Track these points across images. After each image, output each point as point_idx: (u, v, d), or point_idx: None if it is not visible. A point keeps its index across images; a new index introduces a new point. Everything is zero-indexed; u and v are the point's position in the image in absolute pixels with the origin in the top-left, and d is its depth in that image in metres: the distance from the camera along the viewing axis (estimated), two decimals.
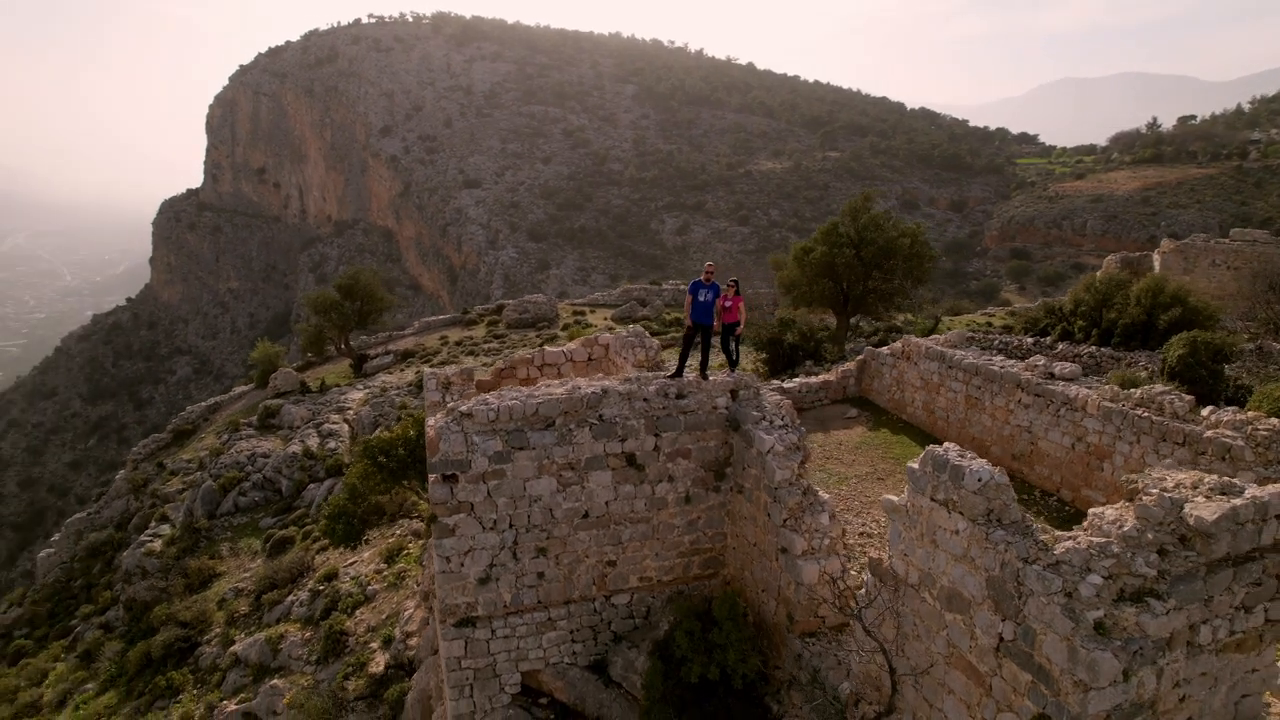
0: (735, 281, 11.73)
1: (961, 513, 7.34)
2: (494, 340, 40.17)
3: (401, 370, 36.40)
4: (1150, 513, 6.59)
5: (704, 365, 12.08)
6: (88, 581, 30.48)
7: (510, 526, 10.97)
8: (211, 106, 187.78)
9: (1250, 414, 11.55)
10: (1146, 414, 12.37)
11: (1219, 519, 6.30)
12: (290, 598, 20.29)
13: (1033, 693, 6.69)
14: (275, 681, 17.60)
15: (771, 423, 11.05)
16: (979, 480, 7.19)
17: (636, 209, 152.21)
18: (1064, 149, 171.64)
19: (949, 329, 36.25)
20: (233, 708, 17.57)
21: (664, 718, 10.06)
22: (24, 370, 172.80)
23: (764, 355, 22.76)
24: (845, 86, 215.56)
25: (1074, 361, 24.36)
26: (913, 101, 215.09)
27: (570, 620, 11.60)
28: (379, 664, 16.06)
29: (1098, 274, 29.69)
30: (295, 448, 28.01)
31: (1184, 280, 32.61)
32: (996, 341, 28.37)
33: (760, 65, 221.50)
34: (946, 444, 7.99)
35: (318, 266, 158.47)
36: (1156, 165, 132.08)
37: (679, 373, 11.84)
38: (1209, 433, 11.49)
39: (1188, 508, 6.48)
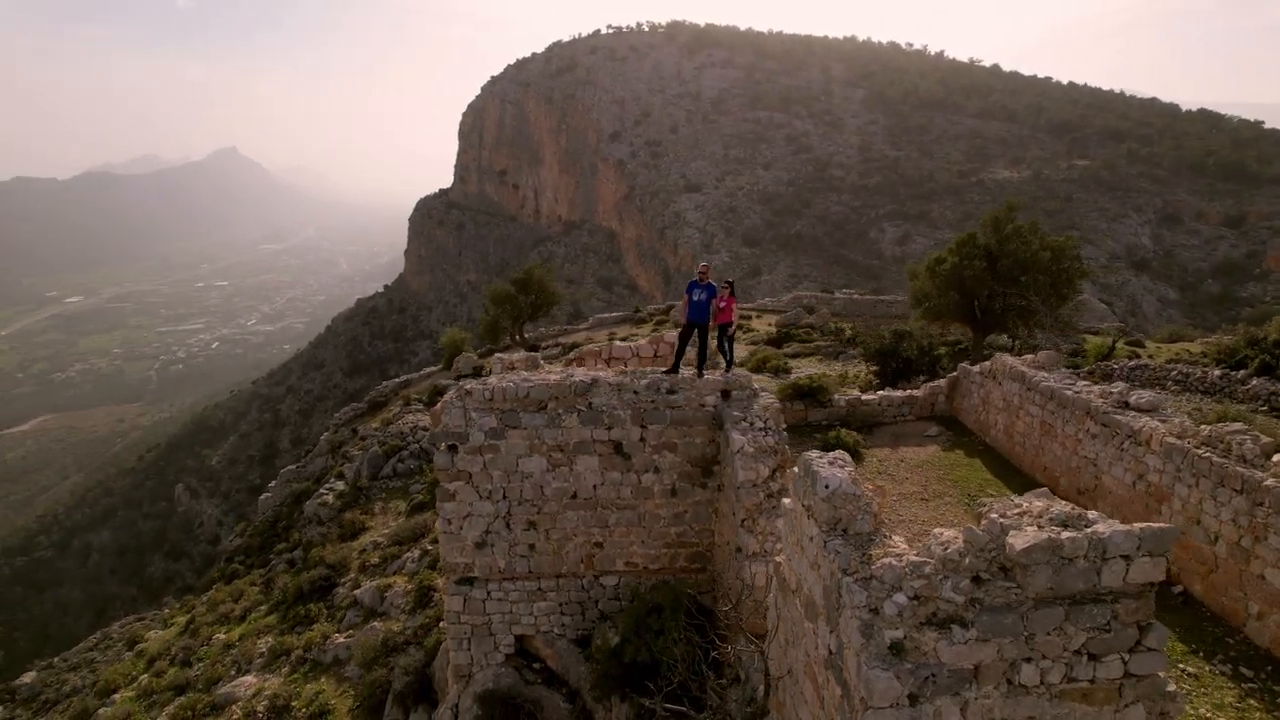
0: (730, 283, 11.88)
1: (815, 519, 7.23)
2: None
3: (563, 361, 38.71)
4: (975, 537, 6.18)
5: (701, 364, 12.27)
6: (288, 523, 35.49)
7: (504, 498, 11.92)
8: (464, 114, 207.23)
9: None
10: (1209, 454, 10.90)
11: (1029, 549, 5.82)
12: (407, 554, 22.70)
13: (841, 708, 6.52)
14: (375, 624, 19.92)
15: (752, 424, 11.10)
16: (827, 488, 7.04)
17: (856, 216, 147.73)
18: None
19: (1149, 356, 32.43)
20: (340, 640, 20.13)
21: (606, 692, 10.54)
22: (303, 344, 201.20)
23: (874, 366, 21.91)
24: (1106, 88, 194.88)
25: (1267, 401, 21.33)
26: (1197, 101, 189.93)
27: (559, 593, 12.34)
28: None
29: None
30: None
31: None
32: (1174, 372, 25.27)
33: (1007, 66, 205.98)
34: (837, 452, 7.81)
35: (545, 264, 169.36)
36: None
37: (674, 369, 12.15)
38: (1269, 481, 9.99)
39: (1010, 535, 6.02)
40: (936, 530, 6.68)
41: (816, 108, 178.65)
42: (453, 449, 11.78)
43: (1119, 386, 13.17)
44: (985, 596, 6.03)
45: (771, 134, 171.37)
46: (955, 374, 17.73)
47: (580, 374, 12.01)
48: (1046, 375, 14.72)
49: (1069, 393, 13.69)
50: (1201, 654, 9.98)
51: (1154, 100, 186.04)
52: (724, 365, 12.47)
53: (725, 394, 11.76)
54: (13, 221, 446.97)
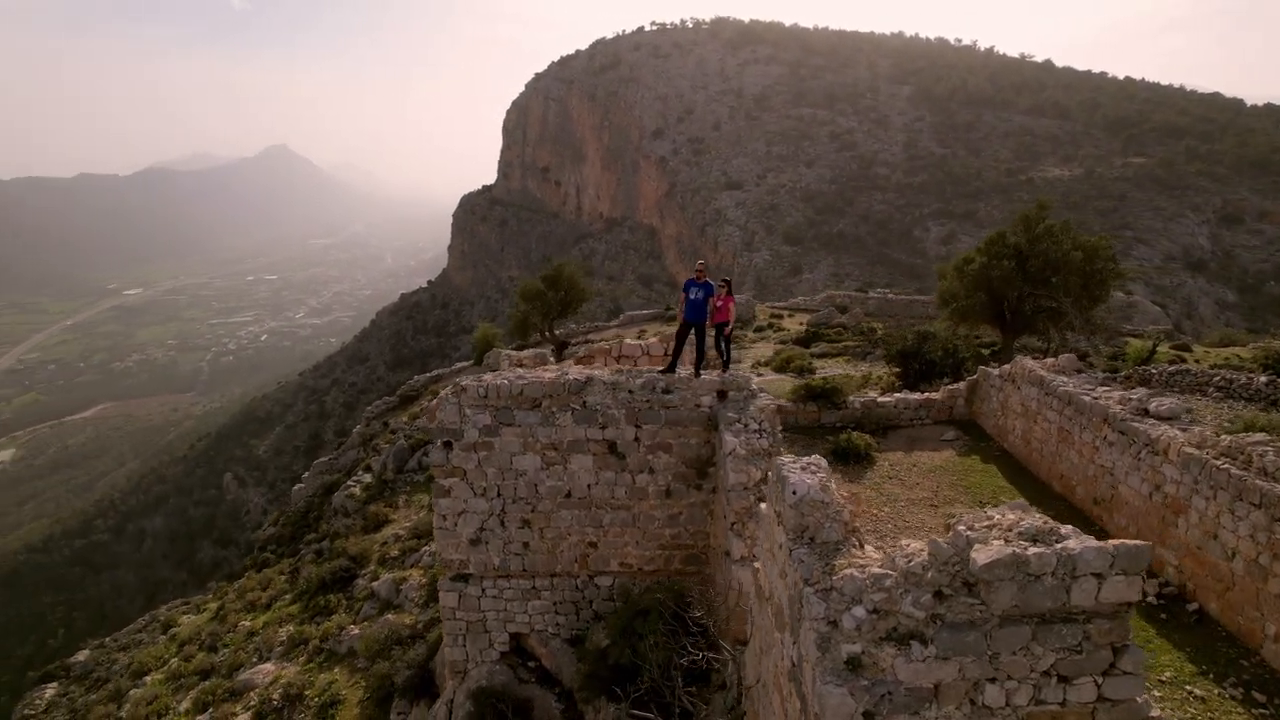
0: (727, 281, 11.66)
1: (783, 526, 7.01)
2: None
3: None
4: (940, 550, 5.90)
5: (698, 364, 12.05)
6: (318, 514, 36.09)
7: (499, 495, 11.87)
8: (508, 111, 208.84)
9: None
10: (1227, 466, 10.39)
11: (992, 564, 5.53)
12: (425, 547, 22.85)
13: None
14: (389, 616, 20.10)
15: (746, 426, 10.87)
16: (794, 494, 6.82)
17: (900, 215, 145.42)
18: None
19: (1196, 361, 31.27)
20: (355, 631, 20.34)
21: (591, 693, 10.42)
22: (349, 337, 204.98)
23: (897, 368, 21.40)
24: (1165, 83, 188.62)
25: None
26: (1264, 97, 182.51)
27: (554, 592, 12.26)
28: None
29: None
30: None
31: None
32: (1217, 378, 24.31)
33: (1060, 62, 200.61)
34: (814, 458, 7.57)
35: (586, 260, 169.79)
36: None
37: (671, 368, 11.97)
38: None
39: (974, 550, 5.73)
40: (903, 541, 6.42)
41: (862, 105, 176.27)
42: (448, 445, 11.78)
43: (1138, 393, 12.64)
44: (947, 613, 5.76)
45: (815, 131, 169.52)
46: (975, 377, 17.24)
47: (575, 372, 11.91)
48: (1065, 380, 14.21)
49: (1086, 398, 13.19)
50: (1212, 676, 9.50)
51: (1216, 95, 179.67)
52: (722, 365, 12.25)
53: (722, 394, 11.55)
54: (77, 217, 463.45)
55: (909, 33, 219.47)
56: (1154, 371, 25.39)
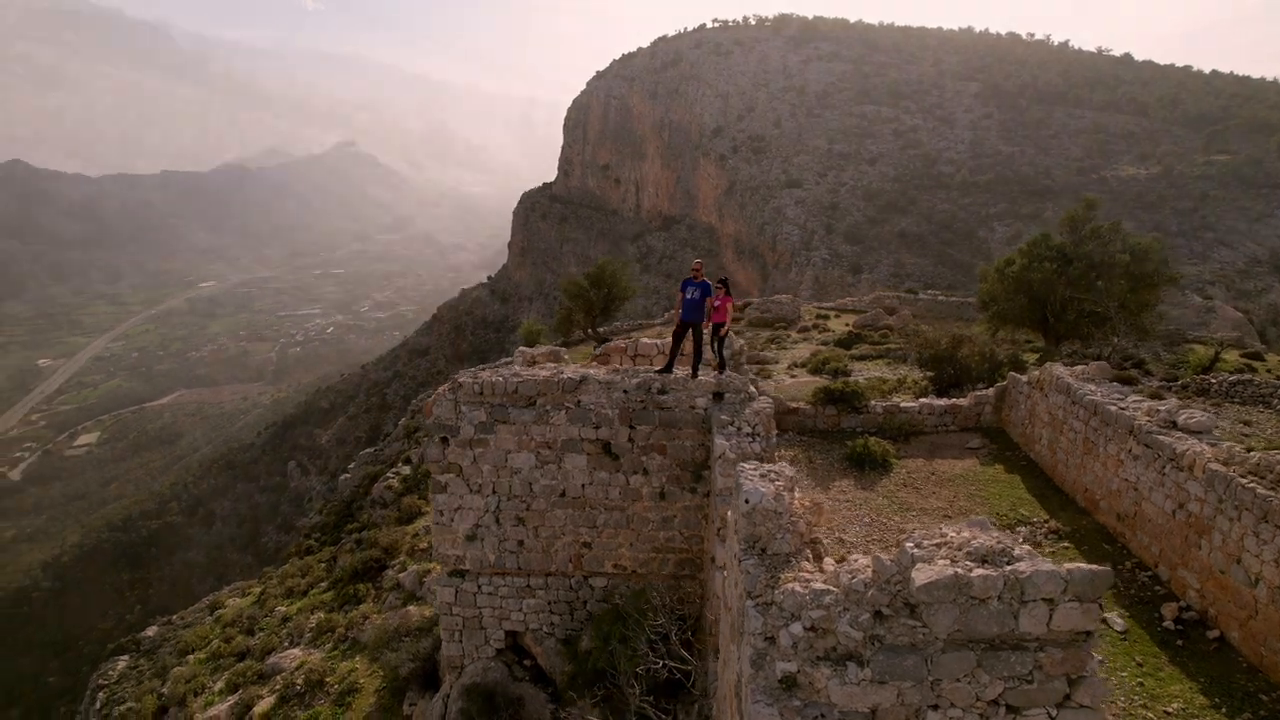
0: (724, 281, 11.36)
1: (738, 535, 6.75)
2: None
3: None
4: (884, 568, 5.59)
5: (695, 364, 11.79)
6: (360, 505, 36.85)
7: (494, 492, 11.84)
8: (569, 109, 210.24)
9: None
10: (1253, 485, 9.70)
11: (930, 585, 5.20)
12: None
13: None
14: (411, 607, 20.33)
15: (739, 429, 10.59)
16: (747, 503, 6.57)
17: (964, 215, 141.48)
18: None
19: (1268, 370, 29.64)
20: (377, 620, 20.64)
21: (577, 695, 10.31)
22: (411, 331, 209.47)
23: (929, 373, 20.69)
24: (1255, 76, 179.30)
25: None
26: None
27: (548, 592, 12.18)
28: None
29: None
30: None
31: None
32: None
33: (1139, 56, 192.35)
34: (780, 465, 7.29)
35: (644, 258, 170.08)
36: None
37: (668, 369, 11.75)
38: None
39: (915, 569, 5.40)
40: (852, 556, 6.11)
41: (927, 101, 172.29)
42: (444, 441, 11.79)
43: (1167, 404, 11.91)
44: (887, 634, 5.45)
45: (878, 129, 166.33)
46: (1004, 383, 16.55)
47: (570, 370, 11.79)
48: (1092, 388, 13.50)
49: (1112, 408, 12.50)
50: (1225, 710, 8.87)
51: None
52: (718, 366, 11.96)
53: (718, 396, 11.29)
54: (160, 212, 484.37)
55: (978, 28, 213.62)
56: (1213, 381, 24.13)
